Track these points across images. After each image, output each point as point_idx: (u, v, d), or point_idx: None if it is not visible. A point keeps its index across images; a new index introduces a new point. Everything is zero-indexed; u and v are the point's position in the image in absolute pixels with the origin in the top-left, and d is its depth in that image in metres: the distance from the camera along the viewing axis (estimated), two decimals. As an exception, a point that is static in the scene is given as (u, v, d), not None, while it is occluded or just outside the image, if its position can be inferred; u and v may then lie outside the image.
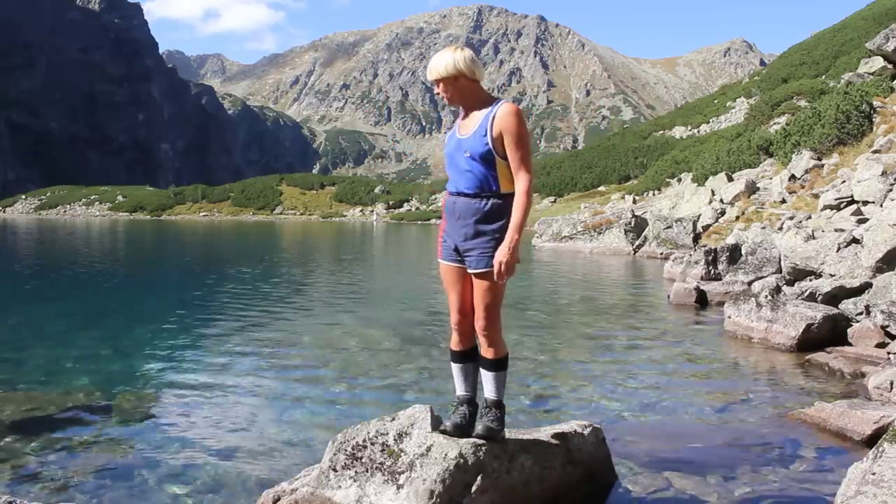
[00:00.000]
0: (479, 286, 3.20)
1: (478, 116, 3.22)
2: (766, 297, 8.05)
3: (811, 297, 8.01)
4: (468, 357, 3.35)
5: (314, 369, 6.56)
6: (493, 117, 3.16)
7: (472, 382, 3.37)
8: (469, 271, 3.23)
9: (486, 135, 3.15)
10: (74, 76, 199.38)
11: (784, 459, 4.14)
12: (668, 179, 45.06)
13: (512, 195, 3.17)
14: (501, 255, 3.07)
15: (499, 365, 3.30)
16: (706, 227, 20.20)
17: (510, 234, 3.09)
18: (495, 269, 3.08)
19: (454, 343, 3.36)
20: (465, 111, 3.28)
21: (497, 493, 3.13)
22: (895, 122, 16.52)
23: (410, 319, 9.63)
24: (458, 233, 3.23)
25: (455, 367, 3.38)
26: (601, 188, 61.52)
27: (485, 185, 3.16)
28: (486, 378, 3.33)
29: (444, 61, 3.18)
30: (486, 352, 3.29)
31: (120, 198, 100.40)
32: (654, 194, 44.22)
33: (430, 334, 8.35)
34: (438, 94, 3.28)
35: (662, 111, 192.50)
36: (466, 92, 3.22)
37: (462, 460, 3.07)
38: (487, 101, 3.23)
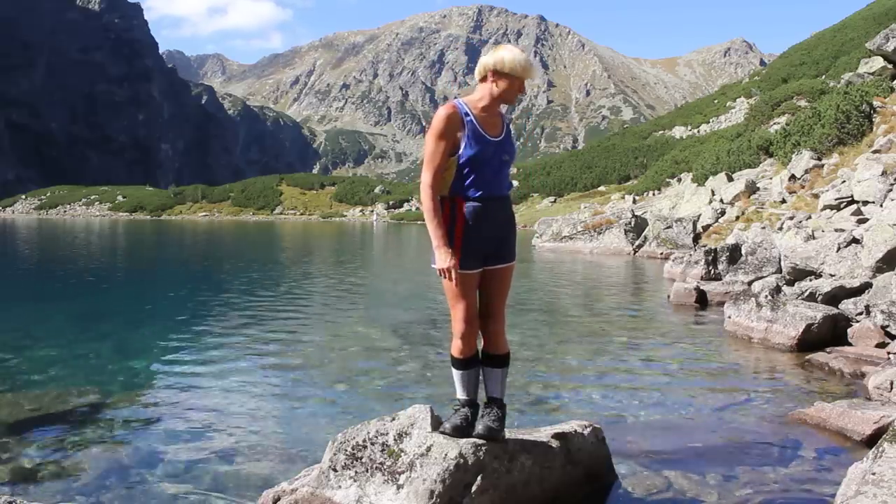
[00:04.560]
0: (504, 282, 3.32)
1: (499, 120, 3.25)
2: (766, 297, 8.06)
3: (811, 297, 8.01)
4: (471, 363, 3.34)
5: (314, 369, 6.56)
6: (509, 127, 3.30)
7: (475, 386, 3.37)
8: (503, 266, 3.29)
9: (513, 142, 3.32)
10: (74, 76, 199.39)
11: (784, 459, 4.14)
12: (668, 179, 45.08)
13: None
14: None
15: (505, 361, 3.36)
16: (706, 227, 20.20)
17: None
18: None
19: (459, 351, 3.28)
20: (490, 112, 3.21)
21: (497, 493, 3.13)
22: (895, 122, 16.52)
23: (410, 320, 9.62)
24: (495, 236, 3.23)
25: (458, 374, 3.34)
26: (601, 188, 61.54)
27: (509, 186, 3.33)
28: (493, 376, 3.34)
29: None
30: (496, 349, 3.32)
31: (120, 198, 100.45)
32: (654, 194, 44.24)
33: (430, 335, 8.35)
34: (521, 93, 3.22)
35: (662, 111, 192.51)
36: None
37: (462, 460, 3.07)
38: None
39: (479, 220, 3.14)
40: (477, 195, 3.13)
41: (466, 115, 3.14)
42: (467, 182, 3.12)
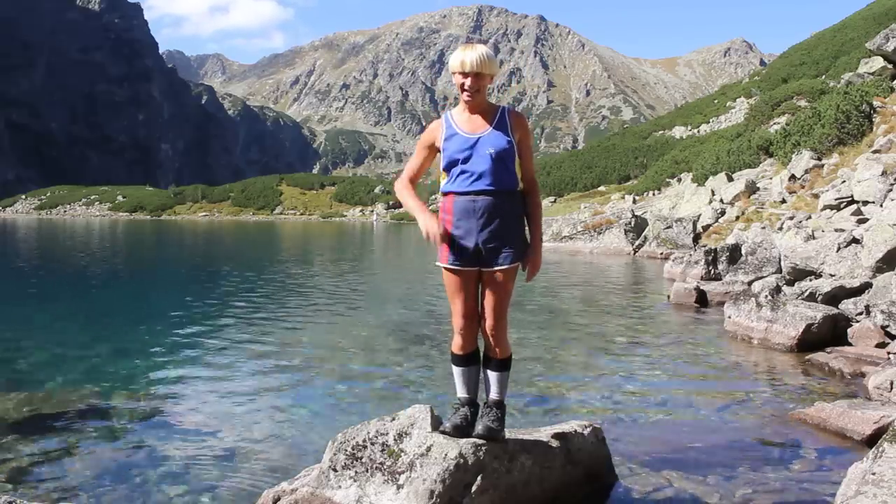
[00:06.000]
0: (499, 285, 3.24)
1: (485, 117, 3.26)
2: (766, 297, 8.06)
3: (811, 297, 8.01)
4: (471, 360, 3.35)
5: (314, 369, 6.56)
6: (510, 119, 3.25)
7: (475, 384, 3.37)
8: (496, 269, 3.21)
9: (508, 134, 3.22)
10: (74, 76, 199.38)
11: (784, 459, 4.14)
12: (668, 179, 45.01)
13: (521, 192, 3.30)
14: (538, 256, 3.30)
15: (504, 365, 3.33)
16: (706, 227, 20.19)
17: (540, 237, 3.34)
18: (531, 270, 3.29)
19: (458, 347, 3.32)
20: (469, 110, 3.27)
21: (497, 493, 3.13)
22: (895, 122, 16.51)
23: (410, 319, 9.63)
24: (481, 232, 3.17)
25: (457, 371, 3.36)
26: (601, 188, 61.46)
27: (507, 182, 3.21)
28: (491, 378, 3.33)
29: (490, 57, 3.21)
30: (494, 352, 3.30)
31: (120, 198, 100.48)
32: (654, 194, 44.16)
33: (430, 334, 8.35)
34: (463, 85, 3.18)
35: (662, 111, 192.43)
36: (484, 92, 3.26)
37: (462, 460, 3.07)
38: (489, 103, 3.30)
39: (461, 215, 3.20)
40: (459, 190, 3.22)
41: (448, 120, 3.32)
42: (450, 178, 3.25)
